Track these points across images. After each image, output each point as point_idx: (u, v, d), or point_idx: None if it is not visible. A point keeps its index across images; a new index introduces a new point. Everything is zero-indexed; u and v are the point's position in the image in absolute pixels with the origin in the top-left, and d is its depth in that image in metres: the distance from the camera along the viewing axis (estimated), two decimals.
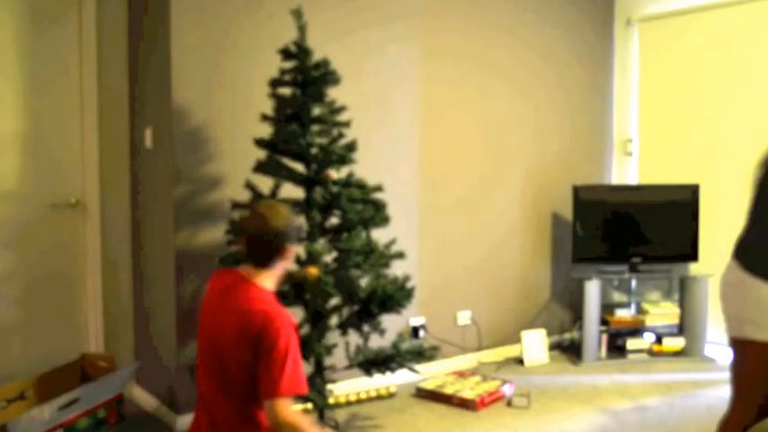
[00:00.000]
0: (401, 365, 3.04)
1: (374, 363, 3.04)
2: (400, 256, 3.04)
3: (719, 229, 4.52)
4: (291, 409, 2.02)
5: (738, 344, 2.10)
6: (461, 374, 4.06)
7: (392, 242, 3.07)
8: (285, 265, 2.23)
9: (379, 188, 3.04)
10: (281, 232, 2.14)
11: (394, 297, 2.95)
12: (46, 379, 3.21)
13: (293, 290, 2.90)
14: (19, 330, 3.43)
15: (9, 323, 3.41)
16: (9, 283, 3.41)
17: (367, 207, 2.96)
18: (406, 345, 2.99)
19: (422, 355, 3.09)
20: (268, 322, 2.02)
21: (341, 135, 2.99)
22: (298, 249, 2.21)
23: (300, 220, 2.95)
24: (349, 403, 3.65)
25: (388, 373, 3.12)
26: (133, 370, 3.37)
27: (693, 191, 4.46)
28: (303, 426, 1.99)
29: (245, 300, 2.09)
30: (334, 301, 3.01)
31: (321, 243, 2.88)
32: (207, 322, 2.20)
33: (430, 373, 4.03)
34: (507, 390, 3.84)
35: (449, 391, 3.75)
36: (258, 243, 2.16)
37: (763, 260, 2.06)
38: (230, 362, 2.08)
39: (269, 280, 2.18)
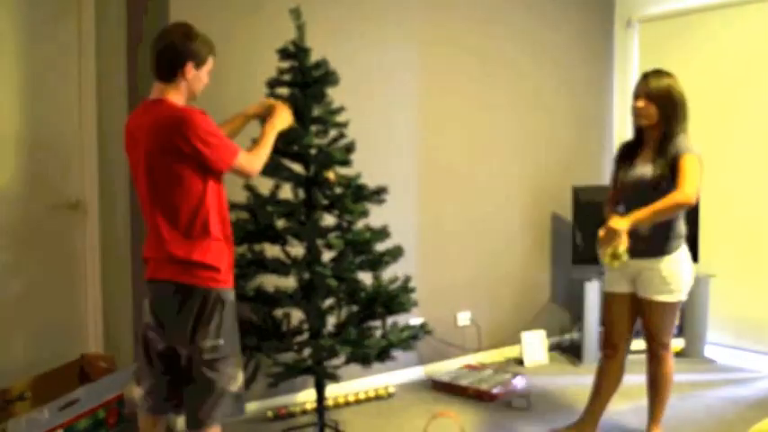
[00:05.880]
0: (401, 345, 2.98)
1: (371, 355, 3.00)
2: (399, 252, 3.03)
3: (720, 231, 4.52)
4: (245, 158, 2.33)
5: None
6: (474, 368, 4.14)
7: (386, 234, 3.05)
8: (191, 86, 2.32)
9: (383, 190, 3.01)
10: (180, 47, 2.25)
11: (398, 297, 2.95)
12: (46, 379, 3.21)
13: (301, 291, 2.90)
14: (19, 330, 3.43)
15: (9, 323, 3.41)
16: (9, 283, 3.41)
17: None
18: (398, 333, 2.96)
19: (416, 336, 3.05)
20: (179, 121, 2.18)
21: (342, 136, 2.98)
22: (202, 72, 2.32)
23: (296, 220, 2.95)
24: (348, 403, 3.66)
25: (388, 362, 3.06)
26: (133, 370, 3.36)
27: None
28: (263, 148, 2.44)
29: (156, 114, 2.23)
30: (333, 301, 3.00)
31: (333, 237, 2.86)
32: (133, 155, 2.33)
33: (435, 374, 4.04)
34: (519, 382, 3.87)
35: (464, 382, 3.83)
36: (160, 57, 2.27)
37: None
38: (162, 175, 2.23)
39: (177, 97, 2.29)
